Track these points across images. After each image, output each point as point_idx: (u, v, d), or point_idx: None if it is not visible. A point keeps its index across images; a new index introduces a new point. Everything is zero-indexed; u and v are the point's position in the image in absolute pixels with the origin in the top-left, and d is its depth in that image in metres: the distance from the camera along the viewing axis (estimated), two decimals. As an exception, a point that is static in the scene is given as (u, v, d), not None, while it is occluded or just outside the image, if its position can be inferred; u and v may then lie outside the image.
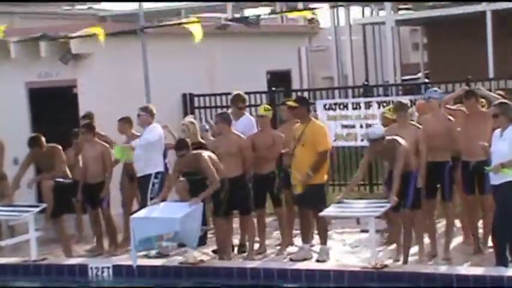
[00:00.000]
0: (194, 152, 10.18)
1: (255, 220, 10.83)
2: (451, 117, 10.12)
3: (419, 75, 32.63)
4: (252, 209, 10.60)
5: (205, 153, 10.13)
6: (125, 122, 11.82)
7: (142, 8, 14.11)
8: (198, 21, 11.35)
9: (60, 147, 11.52)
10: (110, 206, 11.61)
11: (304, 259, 10.11)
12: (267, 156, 10.67)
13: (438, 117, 10.12)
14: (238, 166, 10.38)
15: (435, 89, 10.87)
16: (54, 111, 14.25)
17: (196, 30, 11.12)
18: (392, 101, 13.98)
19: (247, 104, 14.88)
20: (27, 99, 14.70)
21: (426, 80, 27.05)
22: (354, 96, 16.00)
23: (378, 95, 15.11)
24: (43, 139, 11.45)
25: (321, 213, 9.70)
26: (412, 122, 10.29)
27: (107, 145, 11.63)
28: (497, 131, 9.12)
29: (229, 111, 11.57)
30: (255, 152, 10.62)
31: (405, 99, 13.41)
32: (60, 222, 11.29)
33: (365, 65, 31.02)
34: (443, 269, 9.19)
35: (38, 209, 11.17)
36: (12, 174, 11.76)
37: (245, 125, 11.19)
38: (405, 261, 9.57)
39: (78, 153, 12.02)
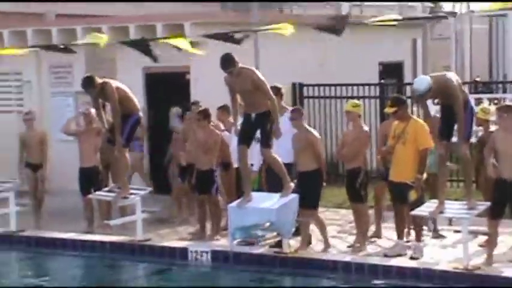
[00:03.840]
0: None
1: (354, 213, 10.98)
2: None
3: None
4: (311, 205, 10.51)
5: None
6: (223, 110, 12.21)
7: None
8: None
9: (110, 81, 11.37)
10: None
11: (398, 255, 10.14)
12: (351, 152, 10.66)
13: None
14: (310, 160, 10.45)
15: None
16: (167, 96, 14.76)
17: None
18: (504, 99, 13.86)
19: (357, 95, 15.06)
20: (143, 83, 15.28)
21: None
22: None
23: (490, 92, 14.85)
24: (96, 78, 11.27)
25: (412, 212, 9.78)
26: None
27: (220, 133, 11.82)
28: None
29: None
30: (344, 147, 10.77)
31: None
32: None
33: (489, 57, 30.16)
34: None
35: (144, 192, 11.70)
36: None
37: (286, 122, 10.84)
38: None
39: (186, 138, 12.37)
